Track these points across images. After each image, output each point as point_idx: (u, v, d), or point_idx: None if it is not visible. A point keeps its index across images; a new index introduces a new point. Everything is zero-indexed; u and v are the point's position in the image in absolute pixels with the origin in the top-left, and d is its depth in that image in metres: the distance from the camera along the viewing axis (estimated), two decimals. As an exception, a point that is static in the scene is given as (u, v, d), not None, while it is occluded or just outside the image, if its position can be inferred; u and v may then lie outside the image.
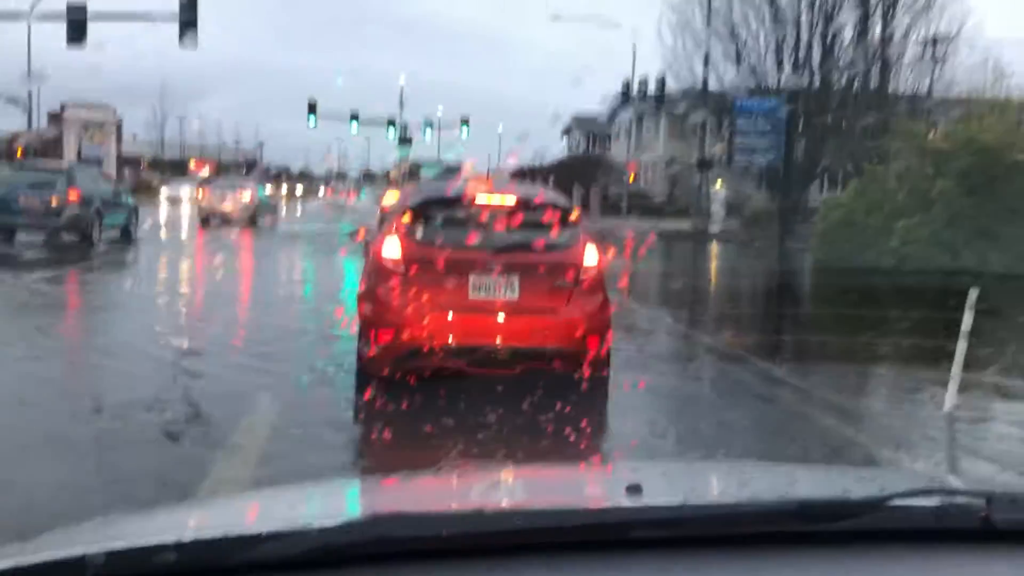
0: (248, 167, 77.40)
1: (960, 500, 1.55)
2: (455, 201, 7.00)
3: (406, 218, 6.93)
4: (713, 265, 23.23)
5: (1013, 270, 14.99)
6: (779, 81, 26.74)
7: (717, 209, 48.82)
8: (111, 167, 51.30)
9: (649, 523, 1.41)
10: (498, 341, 6.61)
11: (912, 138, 18.04)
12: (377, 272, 6.82)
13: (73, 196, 19.34)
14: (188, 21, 24.94)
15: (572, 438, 5.42)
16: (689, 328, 11.39)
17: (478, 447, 5.14)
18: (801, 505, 1.48)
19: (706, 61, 30.30)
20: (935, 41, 24.41)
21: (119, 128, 60.19)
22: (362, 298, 7.00)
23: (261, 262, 19.66)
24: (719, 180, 52.53)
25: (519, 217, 6.78)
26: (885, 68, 24.30)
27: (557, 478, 2.19)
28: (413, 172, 46.76)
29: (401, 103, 57.70)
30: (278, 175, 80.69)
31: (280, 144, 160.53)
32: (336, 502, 1.81)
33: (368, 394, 6.24)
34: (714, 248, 27.13)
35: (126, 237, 21.76)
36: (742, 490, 1.69)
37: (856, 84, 24.39)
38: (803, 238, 22.94)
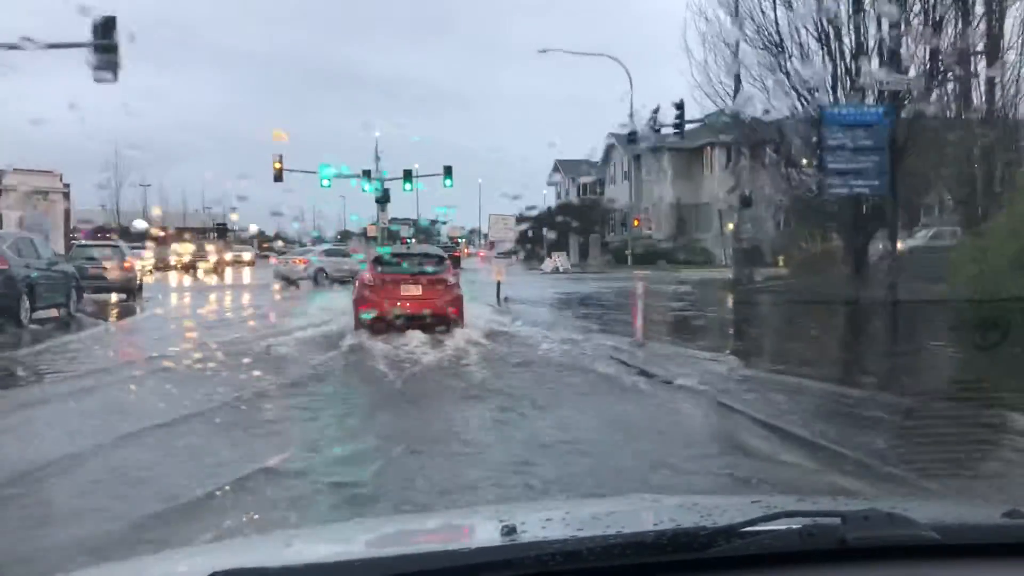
0: (219, 232, 75.31)
1: (823, 521, 1.56)
2: (395, 254, 17.57)
3: (373, 261, 16.78)
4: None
5: None
6: (836, 98, 21.72)
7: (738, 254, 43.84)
8: (59, 238, 45.82)
9: (509, 563, 1.46)
10: (413, 311, 15.06)
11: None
12: (361, 284, 16.01)
13: (128, 265, 25.19)
14: (105, 47, 19.63)
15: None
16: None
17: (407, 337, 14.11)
18: (657, 536, 1.52)
19: (737, 80, 25.33)
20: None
21: (67, 196, 54.90)
22: (355, 297, 15.90)
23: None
24: (730, 223, 47.62)
25: (422, 260, 16.51)
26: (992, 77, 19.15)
27: (432, 523, 2.45)
28: (391, 231, 53.82)
29: (377, 157, 52.33)
30: (251, 239, 78.89)
31: (251, 207, 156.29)
32: (206, 560, 1.73)
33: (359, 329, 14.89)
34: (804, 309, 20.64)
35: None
36: (609, 525, 1.67)
37: (956, 97, 19.20)
38: (911, 288, 17.52)
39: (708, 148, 46.05)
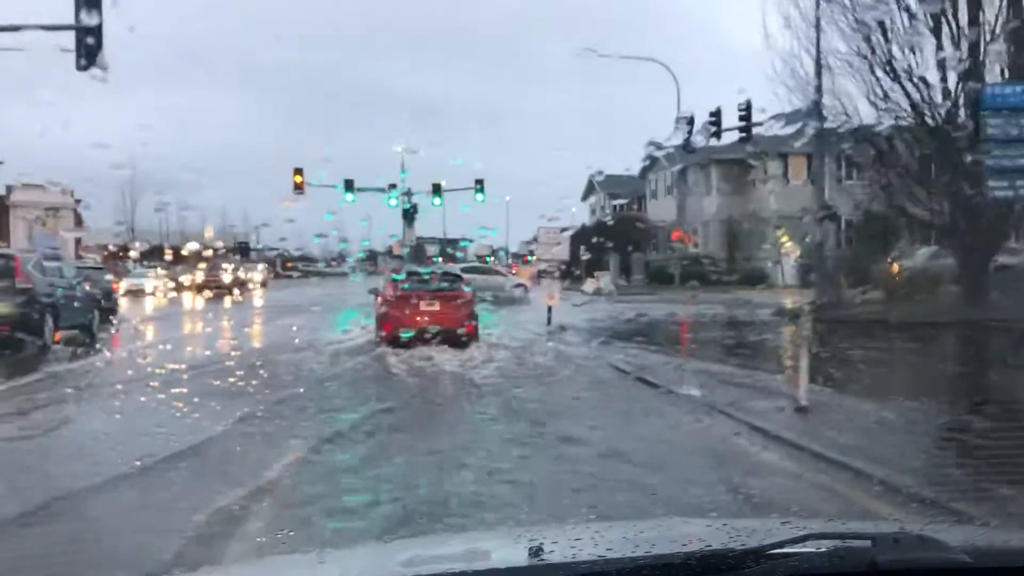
0: (241, 251, 74.46)
1: (852, 543, 1.52)
2: (416, 272, 19.32)
3: (395, 278, 18.28)
4: None
5: None
6: (955, 92, 18.37)
7: (793, 274, 40.10)
8: (69, 255, 43.14)
9: None
10: (432, 325, 16.28)
11: None
12: (383, 301, 17.21)
13: (115, 287, 27.42)
14: (88, 28, 16.51)
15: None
16: None
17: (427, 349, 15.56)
18: (685, 557, 1.48)
19: (818, 65, 22.24)
20: None
21: (77, 212, 52.28)
22: (378, 314, 17.19)
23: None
24: (784, 237, 43.72)
25: (438, 278, 18.62)
26: None
27: (461, 543, 2.31)
28: (418, 248, 52.45)
29: (402, 168, 48.97)
30: (272, 260, 77.28)
31: (274, 226, 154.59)
32: None
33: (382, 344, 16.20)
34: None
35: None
36: (638, 546, 1.64)
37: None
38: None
39: (764, 157, 42.48)
